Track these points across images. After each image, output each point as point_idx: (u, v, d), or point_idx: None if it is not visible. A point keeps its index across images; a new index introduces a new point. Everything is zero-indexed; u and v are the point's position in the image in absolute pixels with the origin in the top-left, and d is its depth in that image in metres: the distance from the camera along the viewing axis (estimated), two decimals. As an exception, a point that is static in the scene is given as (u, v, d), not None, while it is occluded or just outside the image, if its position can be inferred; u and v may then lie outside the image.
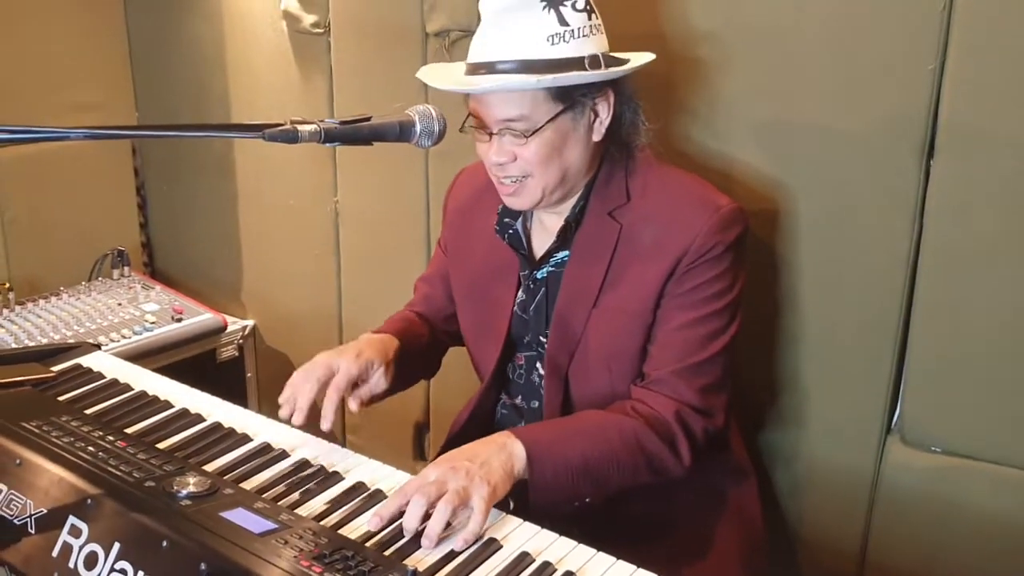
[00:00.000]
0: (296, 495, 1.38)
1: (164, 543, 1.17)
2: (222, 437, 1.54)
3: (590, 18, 1.49)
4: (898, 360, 1.78)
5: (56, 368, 1.76)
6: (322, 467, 1.45)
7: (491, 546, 1.26)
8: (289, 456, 1.49)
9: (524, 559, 1.24)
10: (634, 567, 1.23)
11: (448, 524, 1.27)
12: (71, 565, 1.22)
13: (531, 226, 1.69)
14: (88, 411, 1.58)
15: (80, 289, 2.80)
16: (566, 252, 1.62)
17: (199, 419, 1.59)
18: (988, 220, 1.61)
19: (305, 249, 2.76)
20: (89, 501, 1.26)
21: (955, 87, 1.59)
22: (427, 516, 1.27)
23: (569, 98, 1.49)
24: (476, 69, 1.50)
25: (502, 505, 1.36)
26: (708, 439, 1.57)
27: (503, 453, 1.39)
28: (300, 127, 1.26)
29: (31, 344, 2.43)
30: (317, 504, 1.36)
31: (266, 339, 2.96)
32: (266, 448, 1.50)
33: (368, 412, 1.61)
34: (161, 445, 1.48)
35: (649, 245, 1.55)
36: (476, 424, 1.77)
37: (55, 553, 1.24)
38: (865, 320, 1.78)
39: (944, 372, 1.72)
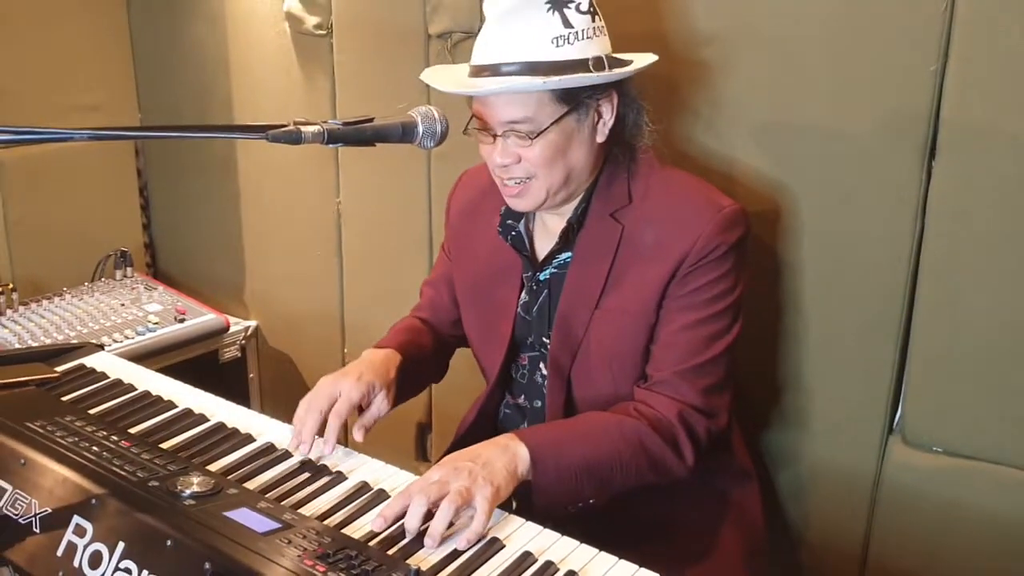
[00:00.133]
0: (300, 494, 1.38)
1: (168, 542, 1.17)
2: (225, 437, 1.54)
3: (594, 20, 1.49)
4: (899, 360, 1.78)
5: (60, 368, 1.77)
6: (325, 467, 1.46)
7: (494, 546, 1.27)
8: (292, 456, 1.49)
9: (526, 559, 1.24)
10: (636, 567, 1.23)
11: (450, 524, 1.28)
12: (76, 564, 1.23)
13: (533, 228, 1.70)
14: (92, 411, 1.59)
15: (83, 290, 2.81)
16: (568, 253, 1.63)
17: (203, 419, 1.60)
18: (989, 220, 1.61)
19: (307, 250, 2.76)
20: (93, 501, 1.26)
21: (957, 88, 1.60)
22: (430, 516, 1.28)
23: (574, 100, 1.49)
24: (480, 71, 1.50)
25: (505, 505, 1.37)
26: (711, 440, 1.57)
27: (507, 454, 1.39)
28: (304, 128, 1.26)
29: (34, 344, 2.44)
30: (321, 504, 1.36)
31: (268, 340, 2.96)
32: (269, 448, 1.51)
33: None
34: (165, 445, 1.49)
35: (651, 246, 1.55)
36: (482, 425, 1.78)
37: (60, 552, 1.25)
38: (866, 321, 1.78)
39: (945, 372, 1.72)
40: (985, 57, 1.56)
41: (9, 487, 1.34)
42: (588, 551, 1.26)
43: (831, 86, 1.72)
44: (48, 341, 2.46)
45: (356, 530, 1.29)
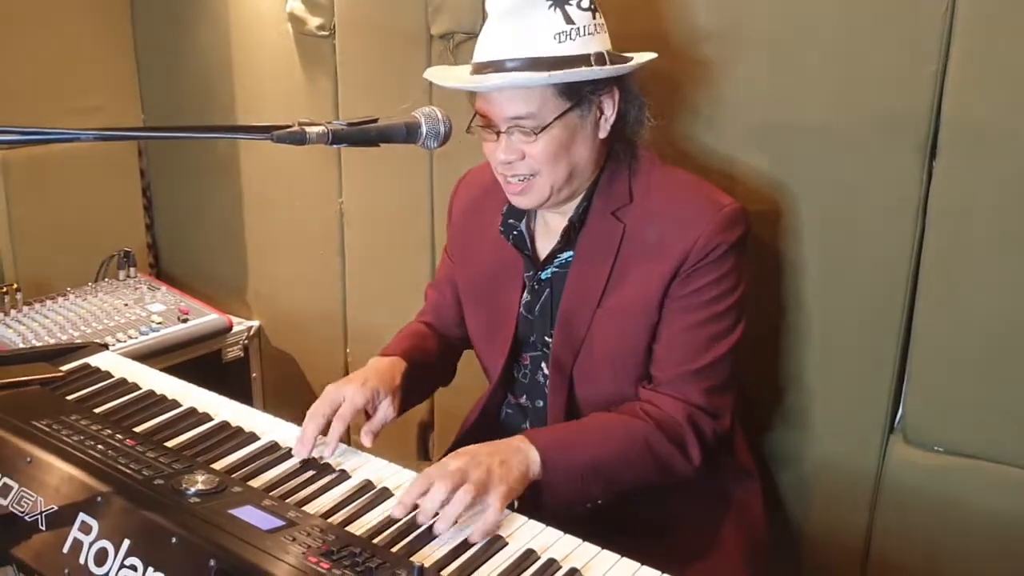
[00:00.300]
0: (304, 492, 1.39)
1: (173, 540, 1.18)
2: (229, 436, 1.55)
3: (594, 16, 1.51)
4: (901, 360, 1.78)
5: (64, 368, 1.77)
6: (329, 465, 1.47)
7: (496, 543, 1.27)
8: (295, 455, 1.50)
9: (529, 556, 1.25)
10: (638, 565, 1.24)
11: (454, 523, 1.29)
12: (81, 561, 1.23)
13: (535, 227, 1.70)
14: (97, 410, 1.59)
15: (86, 290, 2.82)
16: (570, 252, 1.63)
17: (207, 418, 1.60)
18: (990, 220, 1.62)
19: (310, 250, 2.77)
20: (99, 498, 1.27)
21: (957, 88, 1.60)
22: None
23: (576, 95, 1.50)
24: (483, 68, 1.51)
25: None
26: (717, 440, 1.58)
27: (519, 455, 1.42)
28: (308, 129, 1.27)
29: (38, 344, 2.45)
30: (324, 502, 1.37)
31: (271, 340, 2.97)
32: (273, 447, 1.52)
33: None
34: (169, 444, 1.49)
35: (653, 245, 1.56)
36: (483, 425, 1.78)
37: (65, 549, 1.25)
38: (868, 320, 1.79)
39: (947, 371, 1.72)
40: (985, 58, 1.57)
41: (15, 485, 1.35)
42: (590, 549, 1.27)
43: (832, 86, 1.73)
44: (52, 341, 2.46)
45: (360, 527, 1.30)
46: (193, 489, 1.29)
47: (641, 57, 1.57)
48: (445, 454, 1.49)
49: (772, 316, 1.86)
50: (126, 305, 2.74)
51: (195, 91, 2.94)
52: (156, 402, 1.65)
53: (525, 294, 1.70)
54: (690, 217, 1.54)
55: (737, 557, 1.66)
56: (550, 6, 1.47)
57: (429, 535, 1.29)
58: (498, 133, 1.52)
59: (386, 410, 1.60)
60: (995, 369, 1.67)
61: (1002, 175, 1.59)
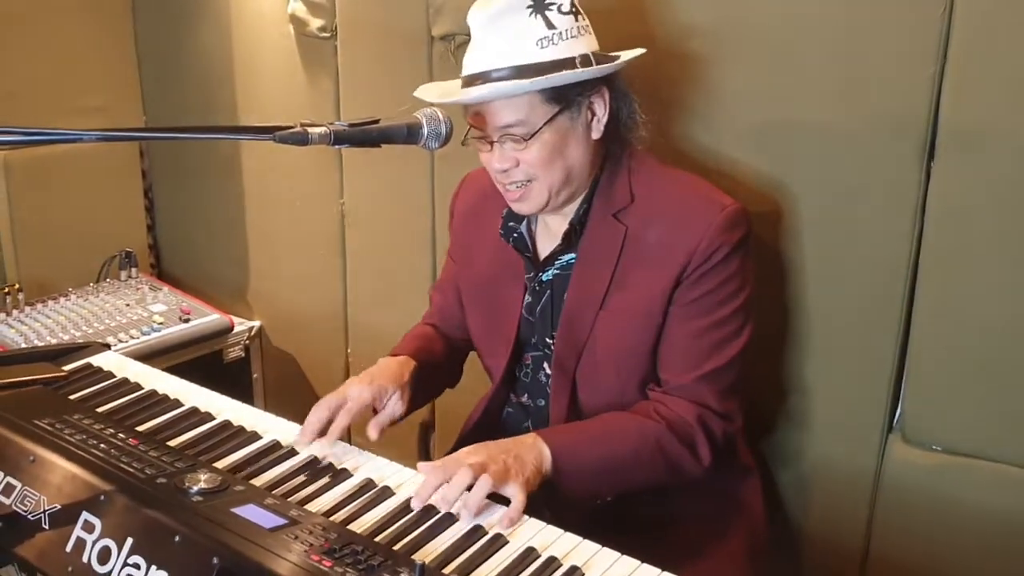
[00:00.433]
0: (306, 491, 1.40)
1: (176, 538, 1.18)
2: (232, 435, 1.55)
3: (577, 19, 1.51)
4: (899, 359, 1.79)
5: (67, 368, 1.78)
6: (331, 464, 1.48)
7: (497, 541, 1.28)
8: (298, 453, 1.51)
9: (530, 554, 1.26)
10: (638, 562, 1.24)
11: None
12: (85, 560, 1.24)
13: (536, 229, 1.71)
14: (100, 409, 1.60)
15: (88, 290, 2.82)
16: (572, 255, 1.64)
17: (209, 417, 1.61)
18: (988, 221, 1.62)
19: (311, 250, 2.78)
20: (102, 497, 1.28)
21: (955, 89, 1.61)
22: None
23: (564, 99, 1.51)
24: (472, 80, 1.52)
25: (505, 501, 1.39)
26: (726, 441, 1.60)
27: (533, 451, 1.44)
28: (310, 129, 1.28)
29: (40, 344, 2.45)
30: (326, 500, 1.38)
31: (272, 340, 2.98)
32: (275, 446, 1.52)
33: (369, 412, 1.63)
34: (172, 443, 1.50)
35: (655, 247, 1.57)
36: (486, 424, 1.80)
37: (69, 548, 1.26)
38: (866, 320, 1.79)
39: (945, 371, 1.73)
40: (983, 59, 1.57)
41: (18, 484, 1.36)
42: (591, 547, 1.28)
43: (831, 87, 1.73)
44: (54, 341, 2.47)
45: (361, 526, 1.31)
46: (196, 488, 1.30)
47: (628, 54, 1.57)
48: (447, 454, 1.51)
49: (771, 315, 1.87)
50: (128, 305, 2.74)
51: (196, 92, 2.94)
52: (158, 402, 1.66)
53: (526, 296, 1.71)
54: (691, 218, 1.55)
55: (738, 555, 1.67)
56: (530, 13, 1.48)
57: (430, 533, 1.30)
58: (491, 143, 1.54)
59: (394, 405, 1.62)
60: (993, 369, 1.68)
61: (1000, 176, 1.60)
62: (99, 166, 3.00)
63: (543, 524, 1.33)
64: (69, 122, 2.78)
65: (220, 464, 1.45)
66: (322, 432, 1.53)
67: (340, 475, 1.45)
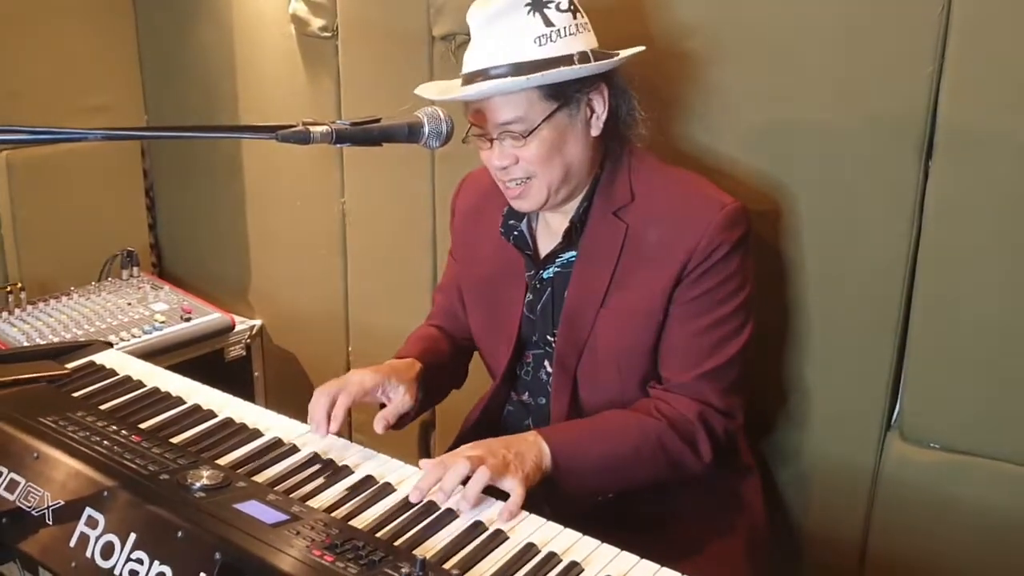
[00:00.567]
0: (307, 488, 1.40)
1: (179, 533, 1.20)
2: (234, 432, 1.56)
3: (575, 17, 1.52)
4: (898, 357, 1.80)
5: (70, 365, 1.79)
6: (332, 461, 1.48)
7: (497, 537, 1.29)
8: (300, 450, 1.51)
9: (530, 549, 1.27)
10: (637, 558, 1.25)
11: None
12: (88, 555, 1.25)
13: (536, 227, 1.72)
14: (103, 407, 1.61)
15: (90, 289, 2.83)
16: (572, 252, 1.65)
17: (211, 415, 1.62)
18: (985, 219, 1.63)
19: (312, 250, 2.79)
20: (105, 493, 1.29)
21: (953, 88, 1.62)
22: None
23: (562, 95, 1.52)
24: (472, 78, 1.53)
25: (504, 497, 1.40)
26: (728, 438, 1.61)
27: (534, 448, 1.45)
28: (312, 128, 1.29)
29: (42, 343, 2.46)
30: (328, 496, 1.39)
31: (273, 339, 2.98)
32: (277, 443, 1.53)
33: (373, 410, 1.64)
34: (174, 440, 1.51)
35: (655, 245, 1.58)
36: (486, 421, 1.80)
37: (72, 543, 1.27)
38: (865, 318, 1.80)
39: (943, 369, 1.74)
40: (980, 59, 1.58)
41: (22, 480, 1.37)
42: (590, 542, 1.29)
43: (829, 87, 1.74)
44: (56, 340, 2.47)
45: (363, 522, 1.32)
46: (198, 484, 1.31)
47: (627, 51, 1.58)
48: (448, 451, 1.52)
49: (771, 314, 1.88)
50: (129, 304, 2.75)
51: (198, 92, 2.95)
52: (161, 399, 1.67)
53: (527, 294, 1.72)
54: (692, 217, 1.56)
55: (738, 552, 1.68)
56: (528, 11, 1.49)
57: (431, 529, 1.30)
58: (491, 140, 1.55)
59: (401, 398, 1.61)
60: (990, 367, 1.69)
61: (997, 175, 1.61)
62: (101, 165, 3.01)
63: (543, 520, 1.34)
64: (71, 122, 2.80)
65: (222, 461, 1.46)
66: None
67: (341, 472, 1.46)
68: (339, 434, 1.56)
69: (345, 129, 1.32)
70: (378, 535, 1.27)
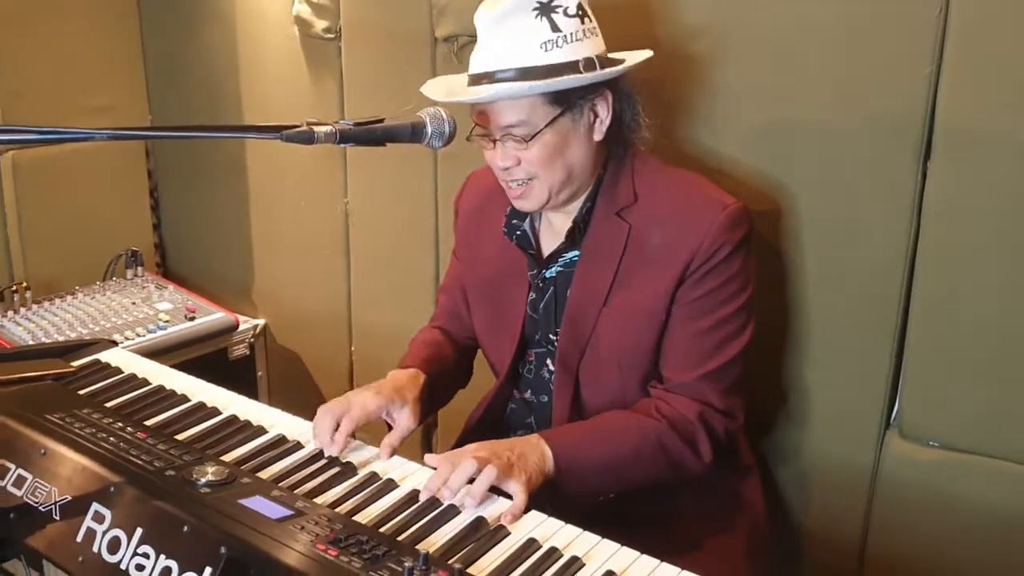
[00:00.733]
0: (311, 484, 1.42)
1: (185, 528, 1.21)
2: (238, 429, 1.58)
3: (583, 22, 1.53)
4: (897, 356, 1.80)
5: (76, 364, 1.80)
6: (335, 458, 1.50)
7: (499, 532, 1.31)
8: (303, 447, 1.53)
9: (531, 545, 1.28)
10: (638, 553, 1.27)
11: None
12: (95, 550, 1.26)
13: (539, 227, 1.73)
14: (108, 404, 1.63)
15: (95, 288, 2.85)
16: (575, 252, 1.66)
17: (216, 412, 1.63)
18: (983, 219, 1.64)
19: (315, 249, 2.80)
20: (112, 488, 1.30)
21: (951, 90, 1.63)
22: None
23: (566, 101, 1.53)
24: (478, 80, 1.54)
25: (505, 495, 1.41)
26: (728, 437, 1.62)
27: (536, 451, 1.47)
28: (316, 128, 1.30)
29: (48, 341, 2.48)
30: (332, 493, 1.40)
31: (277, 338, 3.00)
32: (281, 440, 1.55)
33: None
34: (180, 437, 1.52)
35: (658, 246, 1.59)
36: (489, 420, 1.82)
37: (79, 538, 1.28)
38: (864, 318, 1.81)
39: (941, 368, 1.74)
40: (978, 61, 1.59)
41: (30, 476, 1.38)
42: (591, 538, 1.30)
43: (829, 89, 1.75)
44: (61, 339, 2.49)
45: (366, 517, 1.33)
46: (204, 480, 1.32)
47: (634, 59, 1.59)
48: (451, 449, 1.53)
49: (771, 314, 1.89)
50: (134, 303, 2.77)
51: (202, 93, 2.96)
52: (166, 397, 1.68)
53: (530, 293, 1.73)
54: (694, 217, 1.57)
55: (739, 550, 1.69)
56: (536, 15, 1.49)
57: (434, 525, 1.32)
58: (494, 141, 1.56)
59: (407, 421, 1.61)
60: (989, 366, 1.69)
61: (995, 174, 1.61)
62: (105, 166, 3.03)
63: (544, 516, 1.35)
64: (75, 122, 2.80)
65: (227, 457, 1.47)
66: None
67: (345, 468, 1.47)
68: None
69: (349, 129, 1.33)
70: (382, 530, 1.28)
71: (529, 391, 1.78)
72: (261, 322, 2.91)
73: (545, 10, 1.50)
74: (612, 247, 1.61)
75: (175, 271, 3.30)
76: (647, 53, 1.61)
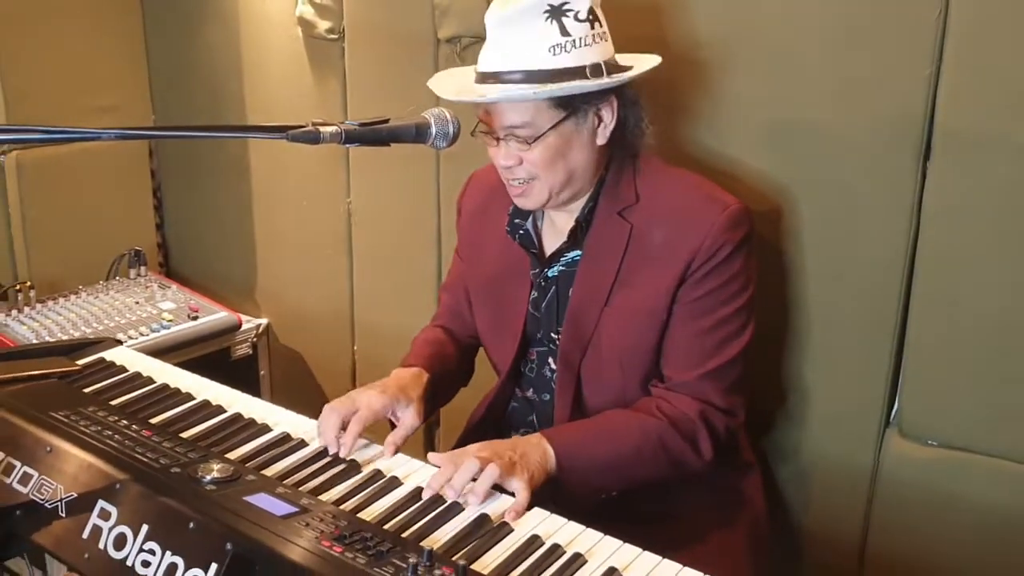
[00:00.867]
0: (316, 481, 1.43)
1: (191, 524, 1.22)
2: (243, 427, 1.59)
3: (593, 27, 1.53)
4: (896, 356, 1.81)
5: (81, 362, 1.81)
6: (339, 455, 1.50)
7: (502, 529, 1.32)
8: (308, 445, 1.54)
9: (534, 541, 1.29)
10: (640, 550, 1.28)
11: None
12: (101, 546, 1.27)
13: (542, 226, 1.74)
14: (113, 402, 1.63)
15: (98, 288, 2.85)
16: (577, 252, 1.67)
17: (220, 410, 1.64)
18: (982, 220, 1.65)
19: (318, 249, 2.81)
20: (117, 485, 1.31)
21: (950, 92, 1.64)
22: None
23: (571, 105, 1.53)
24: (485, 78, 1.55)
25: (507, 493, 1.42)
26: (729, 435, 1.63)
27: (538, 450, 1.48)
28: (322, 128, 1.31)
29: (52, 340, 2.49)
30: (336, 490, 1.41)
31: (279, 337, 3.00)
32: (285, 438, 1.56)
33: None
34: (185, 434, 1.53)
35: (660, 245, 1.60)
36: (491, 418, 1.83)
37: (85, 535, 1.29)
38: (864, 317, 1.82)
39: (940, 368, 1.75)
40: (976, 63, 1.60)
41: (35, 473, 1.39)
42: (593, 535, 1.31)
43: (830, 90, 1.76)
44: (65, 338, 2.50)
45: (370, 514, 1.34)
46: (209, 477, 1.33)
47: (641, 66, 1.59)
48: (455, 447, 1.54)
49: (772, 313, 1.89)
50: (137, 303, 2.78)
51: (205, 93, 2.97)
52: (171, 395, 1.69)
53: (532, 291, 1.74)
54: (695, 217, 1.58)
55: (739, 548, 1.70)
56: (547, 18, 1.49)
57: (438, 522, 1.33)
58: (498, 139, 1.57)
59: (410, 420, 1.62)
60: (988, 365, 1.70)
61: (993, 175, 1.62)
62: (109, 165, 3.03)
63: (547, 513, 1.37)
64: (79, 121, 2.82)
65: (232, 455, 1.48)
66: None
67: (349, 466, 1.48)
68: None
69: (354, 129, 1.34)
70: (386, 527, 1.29)
71: (531, 389, 1.79)
72: (264, 321, 2.92)
73: (556, 13, 1.50)
74: (614, 247, 1.63)
75: (178, 271, 3.30)
76: (655, 60, 1.61)
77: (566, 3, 1.50)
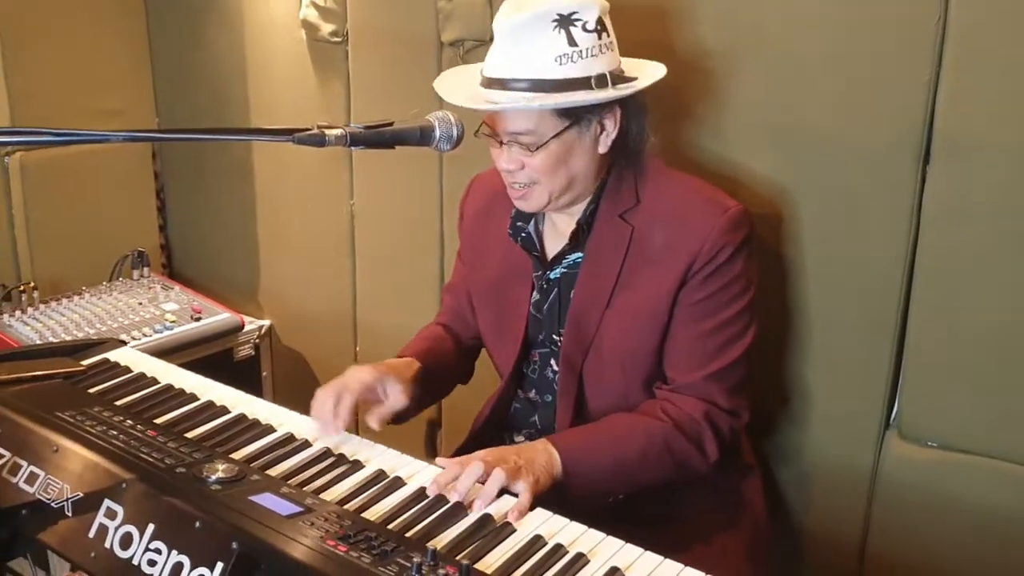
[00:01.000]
0: (320, 481, 1.44)
1: (197, 524, 1.23)
2: (247, 428, 1.59)
3: (600, 37, 1.53)
4: (896, 358, 1.82)
5: (85, 362, 1.82)
6: (343, 455, 1.51)
7: (506, 529, 1.33)
8: (312, 445, 1.55)
9: (537, 541, 1.30)
10: (642, 550, 1.28)
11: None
12: (107, 545, 1.28)
13: (543, 228, 1.75)
14: (118, 402, 1.64)
15: (101, 289, 2.86)
16: (579, 254, 1.68)
17: (224, 411, 1.65)
18: (982, 223, 1.66)
19: (321, 251, 2.82)
20: (123, 485, 1.32)
21: (949, 96, 1.64)
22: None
23: (574, 115, 1.54)
24: (491, 83, 1.55)
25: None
26: (733, 436, 1.64)
27: (544, 455, 1.49)
28: (327, 131, 1.32)
29: (55, 341, 2.50)
30: (340, 490, 1.42)
31: (282, 338, 3.01)
32: (290, 438, 1.56)
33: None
34: (189, 435, 1.54)
35: (660, 247, 1.60)
36: (495, 420, 1.84)
37: (91, 534, 1.30)
38: (864, 320, 1.82)
39: (940, 370, 1.76)
40: (975, 68, 1.61)
41: (42, 473, 1.40)
42: (596, 535, 1.32)
43: (831, 95, 1.77)
44: (68, 338, 2.51)
45: (374, 514, 1.35)
46: (214, 477, 1.34)
47: (647, 78, 1.59)
48: (457, 451, 1.55)
49: (773, 316, 1.90)
50: (140, 304, 2.78)
51: (209, 96, 2.98)
52: (175, 396, 1.70)
53: (535, 294, 1.75)
54: (697, 219, 1.59)
55: (740, 550, 1.70)
56: (555, 27, 1.49)
57: (442, 522, 1.34)
58: (501, 143, 1.58)
59: (397, 397, 1.63)
60: (987, 367, 1.71)
61: (992, 179, 1.63)
62: (112, 167, 3.04)
63: (550, 514, 1.37)
64: (84, 124, 2.80)
65: (236, 455, 1.49)
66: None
67: (353, 466, 1.49)
68: (348, 431, 1.59)
69: (359, 132, 1.35)
70: (390, 527, 1.30)
71: (533, 391, 1.80)
72: (266, 323, 2.93)
73: (564, 22, 1.50)
74: (615, 249, 1.63)
75: (181, 272, 3.31)
76: (659, 70, 1.62)
77: (575, 12, 1.50)
